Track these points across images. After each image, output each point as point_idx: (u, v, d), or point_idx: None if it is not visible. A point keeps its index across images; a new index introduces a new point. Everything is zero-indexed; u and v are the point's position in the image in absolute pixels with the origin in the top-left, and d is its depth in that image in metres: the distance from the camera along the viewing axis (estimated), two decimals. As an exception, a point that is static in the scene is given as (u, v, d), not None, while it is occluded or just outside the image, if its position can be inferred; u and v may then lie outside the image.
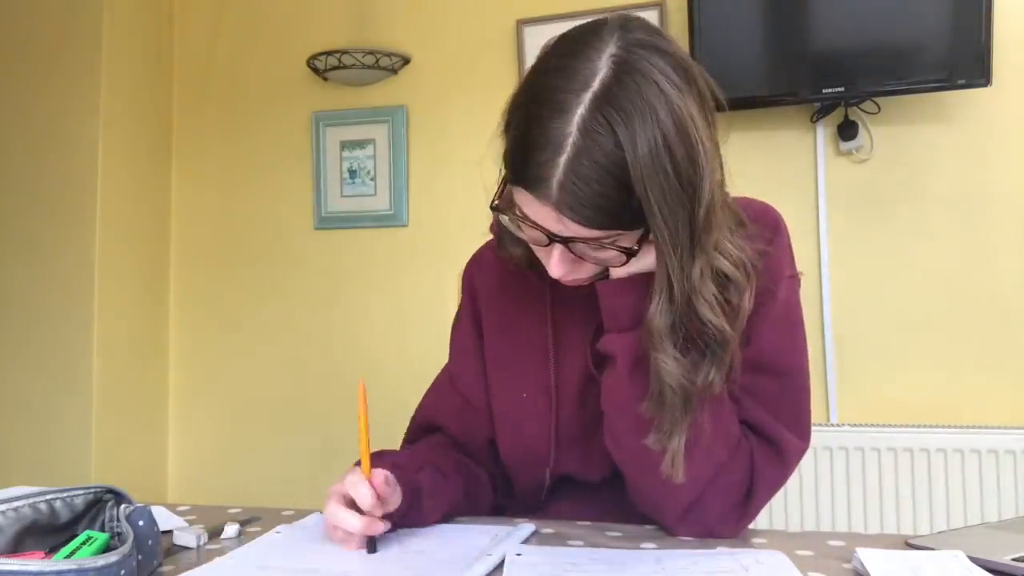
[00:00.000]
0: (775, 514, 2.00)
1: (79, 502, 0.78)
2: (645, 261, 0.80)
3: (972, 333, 2.04)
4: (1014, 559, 0.70)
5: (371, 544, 0.81)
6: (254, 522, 0.93)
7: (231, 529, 0.87)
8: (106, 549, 0.72)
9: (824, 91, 2.02)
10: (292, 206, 2.53)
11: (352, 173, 2.47)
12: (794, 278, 0.93)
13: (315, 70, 2.42)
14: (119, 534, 0.75)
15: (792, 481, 1.99)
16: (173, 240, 2.63)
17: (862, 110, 2.08)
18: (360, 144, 2.46)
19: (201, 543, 0.84)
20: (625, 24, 0.77)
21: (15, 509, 0.74)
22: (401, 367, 2.35)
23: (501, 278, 1.01)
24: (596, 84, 0.73)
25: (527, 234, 0.82)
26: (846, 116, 2.09)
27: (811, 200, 2.14)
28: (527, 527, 0.88)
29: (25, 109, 2.38)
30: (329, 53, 2.34)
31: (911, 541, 0.80)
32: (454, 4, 2.42)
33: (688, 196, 0.74)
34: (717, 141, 0.79)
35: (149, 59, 2.54)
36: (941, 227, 2.08)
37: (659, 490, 0.85)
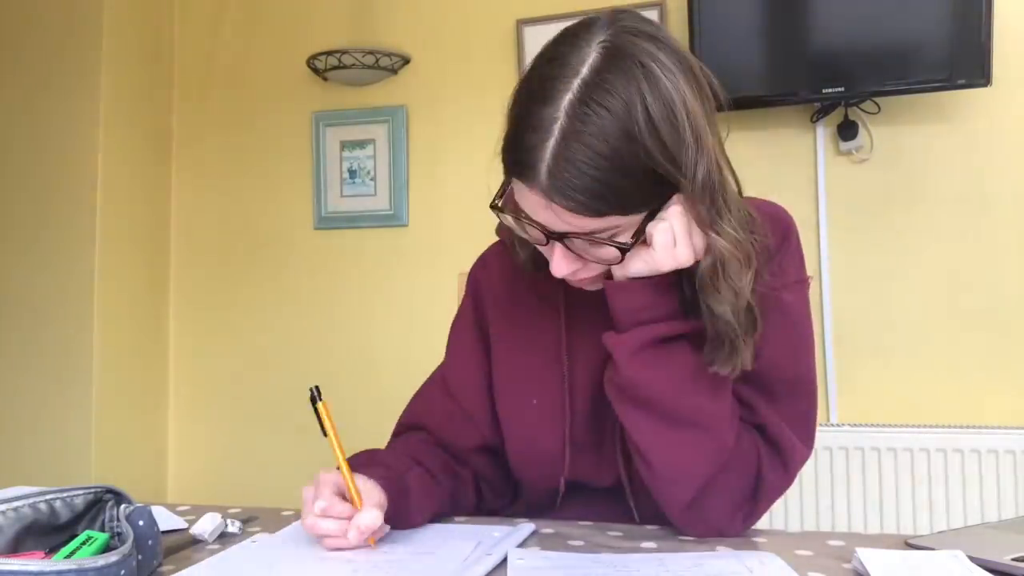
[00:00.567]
0: (775, 514, 2.00)
1: (79, 502, 0.78)
2: (642, 263, 0.80)
3: (972, 333, 2.04)
4: (1014, 559, 0.70)
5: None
6: (252, 521, 0.93)
7: (231, 526, 0.87)
8: (106, 549, 0.72)
9: (824, 91, 2.02)
10: (292, 206, 2.53)
11: (352, 173, 2.47)
12: (803, 283, 0.93)
13: (315, 70, 2.42)
14: (119, 534, 0.75)
15: (792, 481, 1.99)
16: (173, 240, 2.63)
17: (862, 110, 2.08)
18: (360, 144, 2.46)
19: (214, 530, 0.84)
20: (618, 17, 0.78)
21: (15, 509, 0.74)
22: (401, 367, 2.34)
23: (510, 282, 1.00)
24: (585, 70, 0.73)
25: (529, 234, 0.82)
26: (846, 116, 2.09)
27: (811, 200, 2.14)
28: (527, 527, 0.88)
29: (25, 109, 2.38)
30: (329, 53, 2.34)
31: (911, 541, 0.80)
32: (454, 4, 2.42)
33: (681, 173, 0.74)
34: (717, 129, 0.79)
35: (149, 59, 2.54)
36: (941, 227, 2.08)
37: (668, 479, 0.85)
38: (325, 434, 0.84)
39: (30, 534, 0.75)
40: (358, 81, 2.42)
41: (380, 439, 1.06)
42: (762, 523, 0.93)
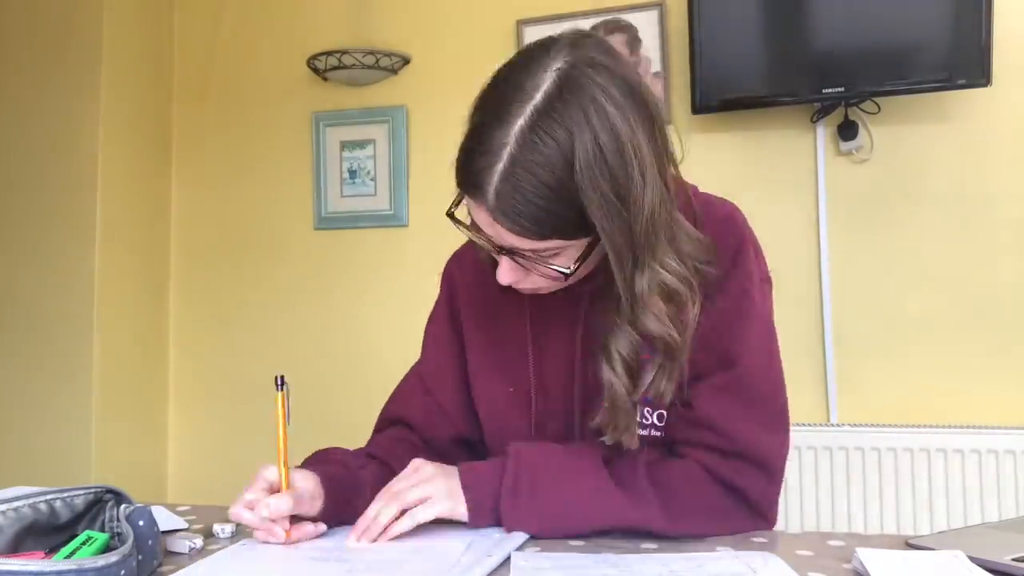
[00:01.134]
0: (775, 514, 2.00)
1: (79, 502, 0.78)
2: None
3: (972, 333, 2.04)
4: (1014, 559, 0.70)
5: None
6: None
7: (224, 529, 0.87)
8: (106, 549, 0.72)
9: (824, 91, 2.02)
10: (292, 206, 2.53)
11: (352, 173, 2.47)
12: (768, 281, 0.94)
13: (315, 70, 2.42)
14: (119, 534, 0.75)
15: (792, 481, 2.00)
16: (173, 240, 2.63)
17: (862, 110, 2.08)
18: (360, 144, 2.46)
19: (194, 548, 0.82)
20: (576, 41, 0.79)
21: (15, 509, 0.74)
22: (401, 367, 2.34)
23: (481, 275, 1.02)
24: (539, 97, 0.76)
25: (479, 241, 0.84)
26: (846, 116, 2.09)
27: (811, 200, 2.14)
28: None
29: (25, 109, 2.38)
30: (329, 53, 2.34)
31: (911, 541, 0.80)
32: (454, 4, 2.42)
33: (626, 209, 0.76)
34: (665, 159, 0.81)
35: (149, 59, 2.54)
36: (941, 227, 2.08)
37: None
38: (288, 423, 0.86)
39: (30, 534, 0.75)
40: (358, 81, 2.42)
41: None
42: (762, 523, 0.92)
